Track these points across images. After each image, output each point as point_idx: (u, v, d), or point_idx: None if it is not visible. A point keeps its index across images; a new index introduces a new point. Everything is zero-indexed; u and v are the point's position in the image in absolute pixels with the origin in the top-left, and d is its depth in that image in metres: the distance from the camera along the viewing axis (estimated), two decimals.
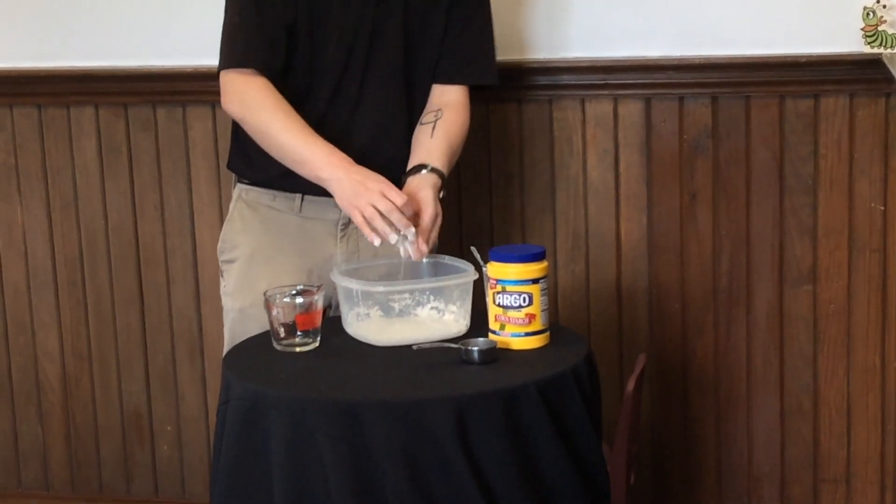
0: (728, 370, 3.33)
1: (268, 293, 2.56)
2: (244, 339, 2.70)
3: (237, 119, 2.76)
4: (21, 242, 3.61)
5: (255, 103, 2.71)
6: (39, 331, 3.65)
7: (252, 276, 2.82)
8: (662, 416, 3.38)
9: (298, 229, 2.83)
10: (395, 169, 2.75)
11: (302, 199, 2.81)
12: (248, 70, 2.71)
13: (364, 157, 2.70)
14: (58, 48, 3.49)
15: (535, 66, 3.27)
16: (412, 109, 2.83)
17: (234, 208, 2.90)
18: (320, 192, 2.70)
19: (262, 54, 2.71)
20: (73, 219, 3.56)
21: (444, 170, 2.74)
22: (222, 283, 2.91)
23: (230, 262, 2.87)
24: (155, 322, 3.58)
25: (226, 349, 2.86)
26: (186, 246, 3.51)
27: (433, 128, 2.79)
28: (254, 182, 2.87)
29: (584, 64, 3.25)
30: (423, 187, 2.68)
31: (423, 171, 2.71)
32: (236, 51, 2.74)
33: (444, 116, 2.81)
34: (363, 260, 2.79)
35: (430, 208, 2.65)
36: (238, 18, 2.73)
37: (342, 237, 2.82)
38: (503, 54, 3.27)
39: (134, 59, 3.43)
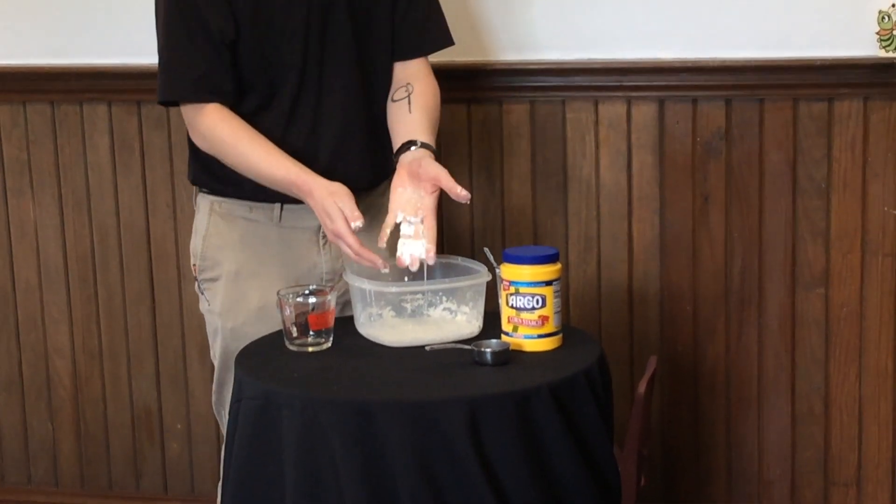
0: (739, 373, 3.33)
1: (281, 292, 2.56)
2: None
3: (209, 153, 2.70)
4: (33, 238, 3.61)
5: (214, 138, 2.66)
6: (50, 327, 3.65)
7: (240, 293, 2.77)
8: (673, 418, 3.38)
9: (279, 240, 2.77)
10: (365, 169, 2.75)
11: (281, 209, 2.75)
12: (196, 102, 2.66)
13: (332, 161, 2.69)
14: (71, 45, 3.49)
15: (549, 66, 3.27)
16: (372, 102, 2.77)
17: (209, 222, 2.80)
18: (297, 199, 2.66)
19: (209, 84, 2.64)
20: (85, 215, 3.57)
21: (431, 142, 2.69)
22: (204, 302, 2.84)
23: (213, 280, 2.80)
24: (166, 319, 3.58)
25: (217, 369, 2.85)
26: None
27: (408, 102, 2.74)
28: (228, 195, 2.81)
29: (598, 65, 3.25)
30: (422, 157, 2.63)
31: (413, 148, 2.66)
32: (176, 85, 2.67)
33: (416, 89, 2.76)
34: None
35: (440, 170, 2.59)
36: (172, 48, 2.65)
37: (324, 244, 2.77)
38: (516, 54, 3.28)
39: (147, 56, 3.38)
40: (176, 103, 2.73)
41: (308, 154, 2.66)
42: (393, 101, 2.77)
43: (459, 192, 2.58)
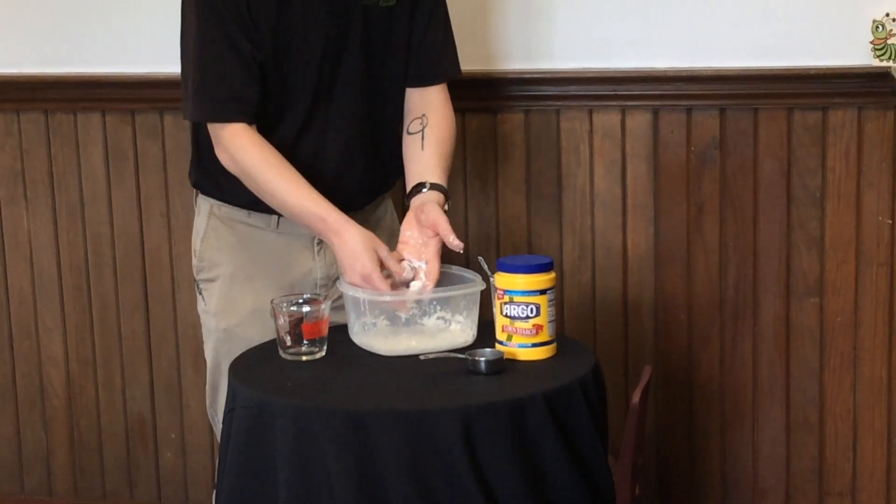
0: (734, 382, 3.33)
1: (274, 301, 2.56)
2: (229, 359, 2.66)
3: (233, 173, 2.69)
4: (27, 248, 3.61)
5: (246, 160, 2.65)
6: (44, 336, 3.65)
7: (235, 295, 2.79)
8: (668, 427, 3.38)
9: (276, 245, 2.79)
10: (365, 189, 2.79)
11: (278, 218, 2.77)
12: (230, 122, 2.66)
13: (335, 175, 2.71)
14: (65, 54, 3.49)
15: (543, 75, 3.27)
16: (376, 128, 2.80)
17: (208, 225, 2.83)
18: None
19: (242, 105, 2.65)
20: (79, 224, 3.56)
21: (442, 181, 2.73)
22: (202, 302, 2.86)
23: (210, 280, 2.83)
24: (160, 328, 3.58)
25: (209, 370, 2.87)
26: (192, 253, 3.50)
27: (422, 138, 2.77)
28: (227, 201, 2.83)
29: (593, 74, 3.25)
30: (427, 202, 2.68)
31: (424, 190, 2.71)
32: (211, 105, 2.67)
33: (430, 121, 2.78)
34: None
35: (438, 217, 2.64)
36: (206, 69, 2.65)
37: (319, 251, 2.79)
38: (511, 64, 3.29)
39: (141, 65, 3.43)
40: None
41: (311, 176, 2.67)
42: (409, 133, 2.80)
43: (452, 241, 2.62)
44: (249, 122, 2.66)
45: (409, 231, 2.67)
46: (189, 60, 2.68)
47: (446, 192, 2.73)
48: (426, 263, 2.64)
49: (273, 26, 2.65)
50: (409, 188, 2.75)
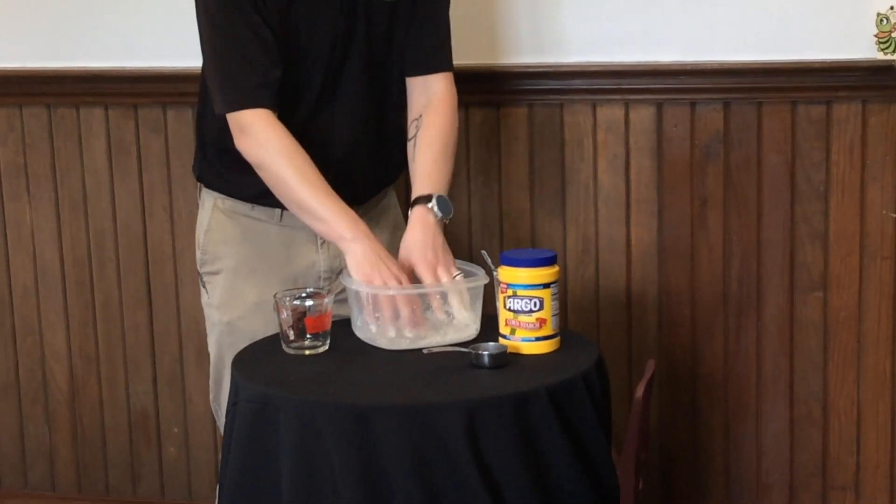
0: (737, 376, 3.33)
1: (277, 295, 2.56)
2: (232, 353, 2.67)
3: (252, 163, 2.66)
4: (29, 242, 3.61)
5: (272, 150, 2.62)
6: (47, 331, 3.65)
7: (238, 288, 2.80)
8: (671, 421, 3.38)
9: (279, 238, 2.80)
10: (369, 182, 2.82)
11: (282, 212, 2.76)
12: (259, 108, 2.64)
13: (341, 167, 2.71)
14: (68, 48, 3.49)
15: (547, 70, 3.27)
16: (380, 122, 2.80)
17: (211, 218, 2.83)
18: None
19: (268, 91, 2.64)
20: (82, 219, 3.56)
21: (429, 188, 2.70)
22: (205, 295, 2.87)
23: (214, 273, 2.83)
24: (163, 323, 3.58)
25: (212, 363, 2.87)
26: (195, 247, 3.49)
27: (414, 145, 2.78)
28: (231, 195, 2.83)
29: (596, 68, 3.25)
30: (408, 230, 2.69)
31: (416, 206, 2.70)
32: (246, 92, 2.64)
33: (424, 122, 2.78)
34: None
35: (403, 254, 2.67)
36: (230, 58, 2.64)
37: (322, 244, 2.79)
38: (514, 58, 3.28)
39: (144, 59, 3.43)
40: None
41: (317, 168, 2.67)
42: (408, 139, 2.81)
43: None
44: (273, 110, 2.65)
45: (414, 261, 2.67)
46: (210, 53, 2.68)
47: (429, 197, 2.69)
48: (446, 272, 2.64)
49: (282, 19, 2.64)
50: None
